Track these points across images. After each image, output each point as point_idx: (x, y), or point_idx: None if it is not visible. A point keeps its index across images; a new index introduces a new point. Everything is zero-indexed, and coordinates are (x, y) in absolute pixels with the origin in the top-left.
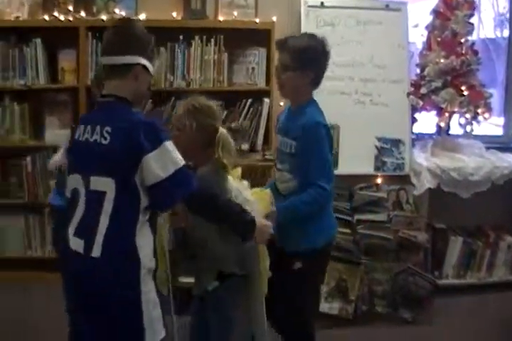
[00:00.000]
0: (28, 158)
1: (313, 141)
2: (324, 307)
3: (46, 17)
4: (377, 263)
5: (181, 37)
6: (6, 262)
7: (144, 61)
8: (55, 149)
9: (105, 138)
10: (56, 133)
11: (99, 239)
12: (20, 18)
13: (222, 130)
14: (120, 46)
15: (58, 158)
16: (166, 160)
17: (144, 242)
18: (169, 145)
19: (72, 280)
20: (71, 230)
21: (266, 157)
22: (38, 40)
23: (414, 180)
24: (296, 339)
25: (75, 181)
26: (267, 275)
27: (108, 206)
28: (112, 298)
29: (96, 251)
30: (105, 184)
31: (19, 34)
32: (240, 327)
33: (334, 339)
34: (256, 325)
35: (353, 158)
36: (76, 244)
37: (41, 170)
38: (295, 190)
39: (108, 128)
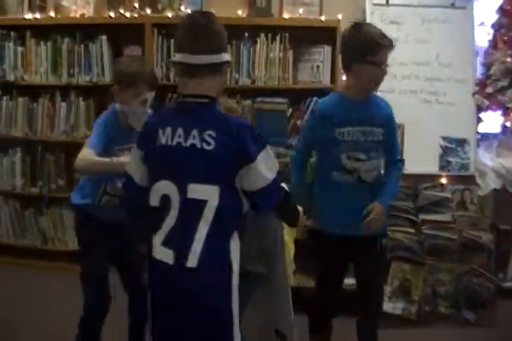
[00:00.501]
0: None
1: (395, 125)
2: (388, 307)
3: (112, 14)
4: (441, 263)
5: (246, 34)
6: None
7: (228, 57)
8: None
9: (208, 144)
10: None
11: (197, 248)
12: (86, 16)
13: None
14: (215, 44)
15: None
16: (270, 162)
17: (235, 247)
18: (267, 146)
19: (162, 288)
20: (158, 239)
21: None
22: (104, 37)
23: (479, 181)
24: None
25: (165, 188)
26: (291, 268)
27: (209, 214)
28: (210, 308)
29: (192, 262)
30: (207, 192)
31: (85, 31)
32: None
33: (397, 339)
34: (281, 319)
35: (418, 157)
36: (164, 255)
37: None
38: (380, 174)
39: (211, 133)
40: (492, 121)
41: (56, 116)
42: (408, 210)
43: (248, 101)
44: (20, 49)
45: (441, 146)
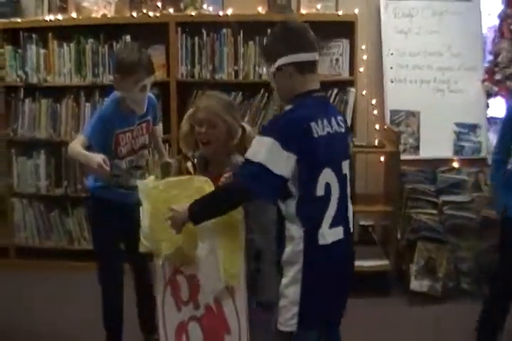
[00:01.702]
0: None
1: None
2: (415, 285)
3: (134, 14)
4: (462, 241)
5: (269, 30)
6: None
7: None
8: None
9: (341, 127)
10: None
11: (351, 218)
12: (108, 16)
13: (247, 126)
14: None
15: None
16: None
17: None
18: None
19: (338, 265)
20: (326, 225)
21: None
22: (128, 37)
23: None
24: None
25: (328, 176)
26: None
27: (347, 184)
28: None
29: (351, 228)
30: (346, 166)
31: (108, 31)
32: None
33: (426, 315)
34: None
35: (434, 143)
36: (335, 235)
37: None
38: None
39: (340, 118)
40: (500, 107)
41: (81, 117)
42: (429, 193)
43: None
44: (42, 51)
45: (454, 132)
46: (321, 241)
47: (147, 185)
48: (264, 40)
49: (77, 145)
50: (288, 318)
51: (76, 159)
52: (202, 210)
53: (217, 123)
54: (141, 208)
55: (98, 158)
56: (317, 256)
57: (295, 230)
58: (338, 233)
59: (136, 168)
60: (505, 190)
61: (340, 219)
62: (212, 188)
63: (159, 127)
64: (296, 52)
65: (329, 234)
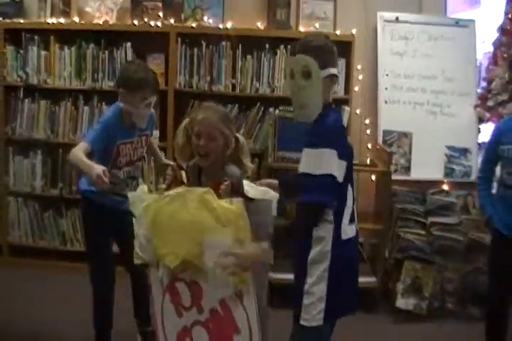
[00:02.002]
0: None
1: None
2: (401, 302)
3: (136, 22)
4: (448, 262)
5: (267, 45)
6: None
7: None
8: None
9: None
10: None
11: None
12: (110, 22)
13: (240, 136)
14: None
15: None
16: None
17: None
18: None
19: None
20: (346, 220)
21: None
22: (128, 44)
23: None
24: None
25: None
26: None
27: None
28: None
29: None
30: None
31: (109, 38)
32: None
33: (410, 333)
34: None
35: (425, 165)
36: (352, 231)
37: None
38: None
39: None
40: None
41: (79, 120)
42: (418, 213)
43: (270, 110)
44: (43, 53)
45: (445, 155)
46: (344, 236)
47: (144, 197)
48: (312, 45)
49: (79, 152)
50: (315, 314)
51: (76, 166)
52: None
53: (216, 136)
54: (134, 220)
55: (99, 169)
56: (341, 251)
57: (325, 230)
58: (353, 229)
59: (132, 178)
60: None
61: (353, 216)
62: (215, 198)
63: (156, 132)
64: (336, 66)
65: (349, 230)
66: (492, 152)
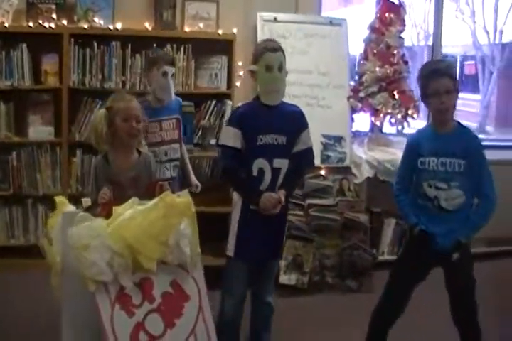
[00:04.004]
0: (14, 153)
1: (484, 157)
2: (284, 278)
3: (31, 24)
4: (326, 240)
5: (154, 45)
6: None
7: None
8: (39, 145)
9: None
10: (39, 130)
11: None
12: (6, 24)
13: None
14: None
15: None
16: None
17: None
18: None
19: None
20: None
21: None
22: (24, 45)
23: (354, 171)
24: None
25: None
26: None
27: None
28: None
29: None
30: None
31: (5, 39)
32: None
33: (293, 306)
34: None
35: None
36: None
37: (25, 164)
38: (464, 204)
39: None
40: (363, 121)
41: None
42: (297, 196)
43: None
44: None
45: (321, 143)
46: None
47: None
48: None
49: None
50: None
51: None
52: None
53: (142, 119)
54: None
55: None
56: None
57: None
58: None
59: (170, 160)
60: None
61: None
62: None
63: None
64: None
65: None
66: (409, 164)
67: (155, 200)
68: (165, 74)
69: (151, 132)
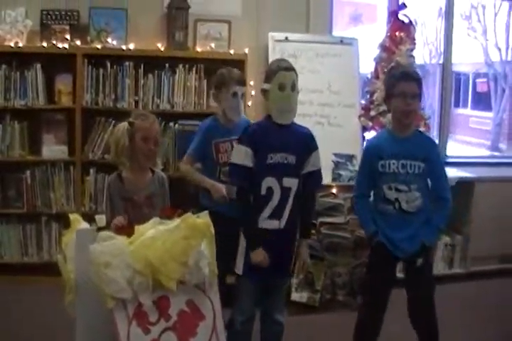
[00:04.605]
0: (28, 172)
1: (441, 160)
2: (295, 296)
3: (45, 44)
4: (337, 258)
5: (167, 65)
6: (4, 267)
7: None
8: (52, 163)
9: None
10: (52, 149)
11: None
12: (20, 44)
13: None
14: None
15: None
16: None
17: None
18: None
19: None
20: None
21: None
22: (38, 65)
23: None
24: None
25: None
26: None
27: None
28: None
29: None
30: None
31: (20, 59)
32: None
33: (304, 324)
34: None
35: None
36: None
37: (39, 183)
38: (423, 206)
39: None
40: None
41: None
42: None
43: (170, 124)
44: None
45: (332, 161)
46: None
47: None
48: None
49: (188, 167)
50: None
51: (194, 182)
52: None
53: (160, 142)
54: (106, 264)
55: (221, 189)
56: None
57: None
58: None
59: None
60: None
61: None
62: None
63: None
64: None
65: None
66: (368, 168)
67: (177, 221)
68: (235, 94)
69: (222, 152)
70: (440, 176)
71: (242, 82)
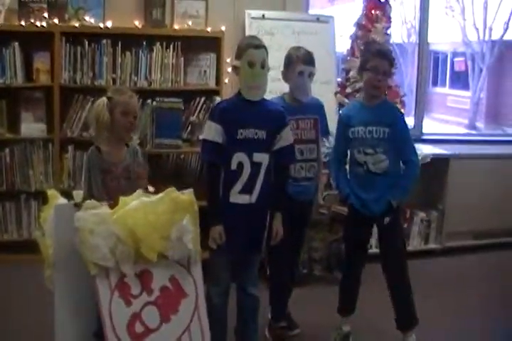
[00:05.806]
0: (7, 150)
1: (406, 126)
2: None
3: (23, 22)
4: (314, 233)
5: (144, 43)
6: None
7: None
8: (31, 141)
9: None
10: (31, 127)
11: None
12: None
13: None
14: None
15: None
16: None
17: None
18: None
19: None
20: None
21: None
22: (16, 43)
23: None
24: None
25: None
26: None
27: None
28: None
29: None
30: None
31: None
32: None
33: None
34: None
35: None
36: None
37: (18, 161)
38: (388, 167)
39: None
40: None
41: None
42: None
43: (148, 101)
44: None
45: None
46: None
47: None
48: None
49: None
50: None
51: None
52: None
53: (138, 115)
54: (89, 232)
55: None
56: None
57: None
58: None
59: (305, 160)
60: (347, 182)
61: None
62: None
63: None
64: None
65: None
66: (342, 135)
67: (161, 194)
68: (301, 73)
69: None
70: (406, 140)
71: (310, 62)
